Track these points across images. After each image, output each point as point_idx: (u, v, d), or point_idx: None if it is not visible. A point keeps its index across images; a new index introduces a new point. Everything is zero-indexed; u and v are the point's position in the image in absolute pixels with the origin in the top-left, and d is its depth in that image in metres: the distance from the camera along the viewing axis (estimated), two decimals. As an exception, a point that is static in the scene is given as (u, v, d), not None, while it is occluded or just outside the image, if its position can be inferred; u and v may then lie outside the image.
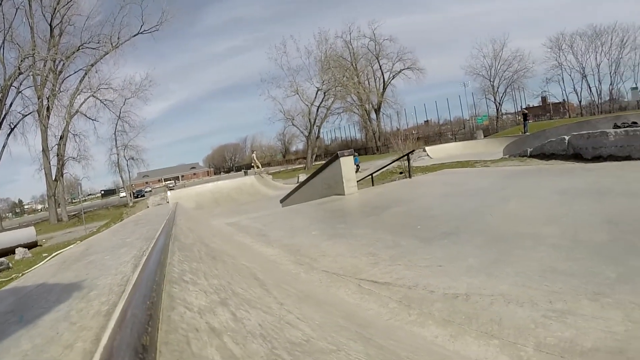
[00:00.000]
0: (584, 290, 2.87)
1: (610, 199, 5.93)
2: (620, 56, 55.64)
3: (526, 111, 39.69)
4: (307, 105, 53.75)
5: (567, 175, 8.78)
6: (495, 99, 63.68)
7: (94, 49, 38.77)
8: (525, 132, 30.75)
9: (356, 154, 22.17)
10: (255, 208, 14.11)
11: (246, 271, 2.87)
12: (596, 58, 57.22)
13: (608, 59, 56.39)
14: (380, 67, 65.69)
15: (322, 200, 9.18)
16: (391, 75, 65.53)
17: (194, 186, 22.57)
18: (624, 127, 12.58)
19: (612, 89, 57.26)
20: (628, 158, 10.71)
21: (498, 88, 63.27)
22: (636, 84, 55.71)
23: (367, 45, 64.15)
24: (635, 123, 13.45)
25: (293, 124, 56.98)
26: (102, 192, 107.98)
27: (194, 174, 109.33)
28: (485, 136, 43.83)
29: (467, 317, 2.68)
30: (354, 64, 61.99)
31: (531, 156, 13.34)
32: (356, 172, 13.95)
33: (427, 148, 31.47)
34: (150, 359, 0.92)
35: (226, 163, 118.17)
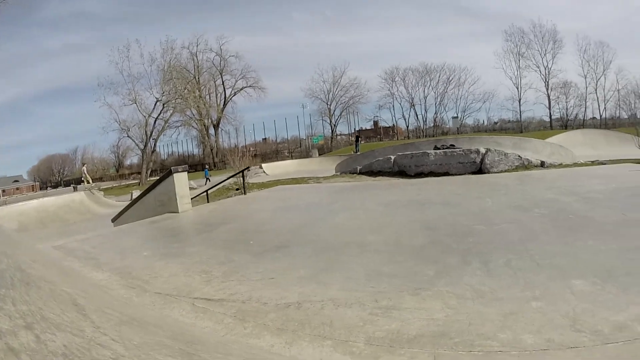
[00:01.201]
0: (406, 288, 3.48)
1: (428, 207, 7.18)
2: (445, 90, 68.93)
3: (358, 133, 45.35)
4: (145, 116, 52.16)
5: (392, 189, 10.27)
6: (331, 121, 71.19)
7: None
8: (356, 152, 34.62)
9: (207, 166, 22.02)
10: (85, 228, 12.95)
11: (65, 297, 2.63)
12: (424, 91, 69.73)
13: (435, 92, 69.41)
14: (223, 82, 66.67)
15: (156, 219, 8.91)
16: (233, 92, 67.07)
17: (17, 203, 19.10)
18: (443, 149, 15.34)
19: (436, 117, 70.22)
20: (446, 174, 13.32)
21: (334, 111, 71.22)
22: (457, 114, 69.69)
23: (213, 59, 64.91)
24: (453, 145, 16.38)
25: (128, 136, 54.74)
26: None
27: (17, 188, 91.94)
28: (320, 155, 48.01)
29: (300, 324, 2.97)
30: (197, 77, 61.62)
31: (361, 173, 15.34)
32: (205, 184, 13.90)
33: (263, 165, 33.17)
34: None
35: (54, 176, 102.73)
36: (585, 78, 61.20)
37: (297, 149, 66.71)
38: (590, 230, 4.95)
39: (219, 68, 65.41)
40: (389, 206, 7.60)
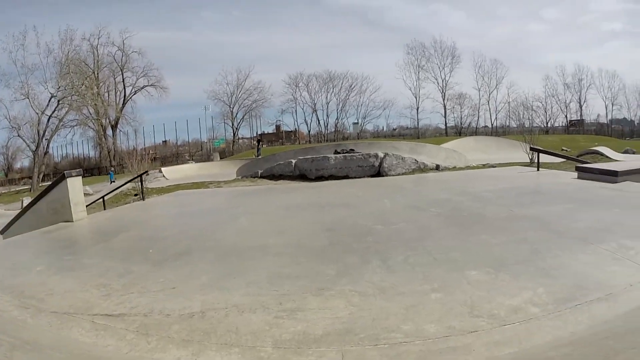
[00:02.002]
0: (309, 289, 3.49)
1: (329, 210, 7.31)
2: (347, 97, 71.34)
3: (260, 137, 45.26)
4: (38, 114, 46.37)
5: (293, 192, 10.34)
6: (233, 124, 69.79)
7: None
8: (258, 156, 34.65)
9: (112, 169, 20.51)
10: (-32, 244, 11.29)
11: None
12: (327, 96, 71.65)
13: (337, 99, 71.61)
14: (123, 80, 61.70)
15: (49, 229, 8.07)
16: (133, 90, 62.43)
17: None
18: (343, 153, 15.79)
19: (337, 122, 72.55)
20: (346, 177, 13.76)
21: (237, 114, 69.89)
22: (357, 120, 72.24)
23: (114, 54, 59.34)
24: (353, 150, 16.95)
25: (19, 135, 48.82)
26: None
27: None
28: (221, 158, 47.04)
29: (205, 333, 2.87)
30: (96, 73, 56.14)
31: (262, 177, 15.36)
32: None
33: (163, 169, 31.66)
34: None
35: None
36: (479, 91, 68.22)
37: (198, 152, 64.64)
38: (482, 226, 5.36)
39: (120, 64, 60.77)
40: (290, 209, 7.64)
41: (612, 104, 69.28)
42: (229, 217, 7.44)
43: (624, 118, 71.28)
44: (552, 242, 4.42)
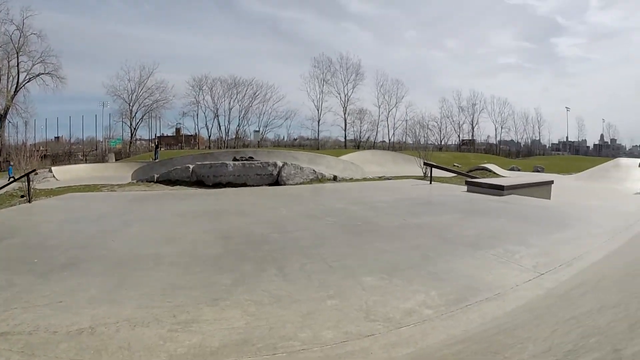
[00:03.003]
0: (204, 299, 3.33)
1: (225, 218, 7.13)
2: (250, 105, 71.20)
3: (158, 140, 43.15)
4: None
5: (189, 199, 9.97)
6: (131, 124, 65.44)
7: None
8: (155, 159, 33.08)
9: (12, 163, 19.54)
10: None
11: None
12: (230, 102, 70.86)
13: (240, 105, 71.21)
14: (18, 64, 54.37)
15: None
16: (28, 78, 55.35)
17: None
18: (242, 161, 15.62)
19: (238, 129, 72.01)
20: (244, 185, 13.59)
21: (136, 113, 65.92)
22: (259, 128, 72.37)
23: (12, 34, 52.03)
24: (252, 158, 16.81)
25: None
26: None
27: None
28: (117, 160, 44.20)
29: (96, 351, 2.62)
30: None
31: (158, 182, 14.66)
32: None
33: (54, 168, 28.69)
34: None
35: None
36: (379, 107, 72.45)
37: (92, 152, 59.44)
38: (376, 234, 5.55)
39: (16, 46, 54.03)
40: (185, 216, 7.34)
41: (502, 127, 78.50)
42: (122, 224, 6.97)
43: (512, 140, 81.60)
44: (443, 249, 4.72)
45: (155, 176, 15.27)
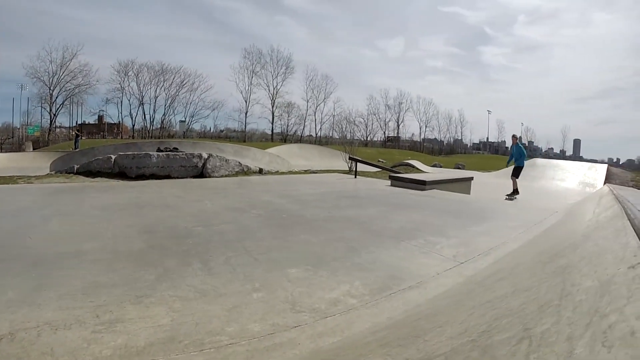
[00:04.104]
0: (127, 297, 3.21)
1: (148, 211, 6.89)
2: (177, 94, 69.35)
3: (79, 128, 40.53)
4: None
5: (110, 192, 9.51)
6: (51, 109, 60.39)
7: None
8: (76, 149, 31.10)
9: None
10: None
11: None
12: (156, 90, 68.30)
13: (166, 94, 68.82)
14: None
15: None
16: None
17: None
18: (166, 152, 15.11)
19: (164, 119, 69.49)
20: (168, 177, 13.20)
21: (57, 98, 61.08)
22: (185, 118, 70.68)
23: None
24: (176, 149, 16.28)
25: None
26: None
27: None
28: (34, 149, 41.38)
29: (17, 359, 2.43)
30: None
31: (78, 173, 13.80)
32: None
33: None
34: None
35: None
36: (308, 102, 72.83)
37: (8, 140, 54.70)
38: (302, 227, 5.62)
39: None
40: (106, 210, 6.97)
41: (426, 126, 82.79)
42: (40, 220, 6.47)
43: (435, 138, 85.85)
44: (368, 240, 4.88)
45: (76, 167, 14.35)
